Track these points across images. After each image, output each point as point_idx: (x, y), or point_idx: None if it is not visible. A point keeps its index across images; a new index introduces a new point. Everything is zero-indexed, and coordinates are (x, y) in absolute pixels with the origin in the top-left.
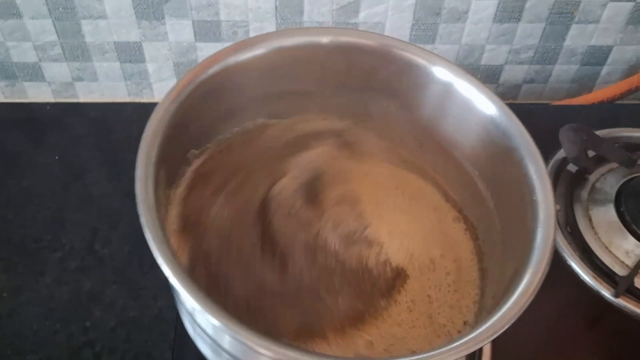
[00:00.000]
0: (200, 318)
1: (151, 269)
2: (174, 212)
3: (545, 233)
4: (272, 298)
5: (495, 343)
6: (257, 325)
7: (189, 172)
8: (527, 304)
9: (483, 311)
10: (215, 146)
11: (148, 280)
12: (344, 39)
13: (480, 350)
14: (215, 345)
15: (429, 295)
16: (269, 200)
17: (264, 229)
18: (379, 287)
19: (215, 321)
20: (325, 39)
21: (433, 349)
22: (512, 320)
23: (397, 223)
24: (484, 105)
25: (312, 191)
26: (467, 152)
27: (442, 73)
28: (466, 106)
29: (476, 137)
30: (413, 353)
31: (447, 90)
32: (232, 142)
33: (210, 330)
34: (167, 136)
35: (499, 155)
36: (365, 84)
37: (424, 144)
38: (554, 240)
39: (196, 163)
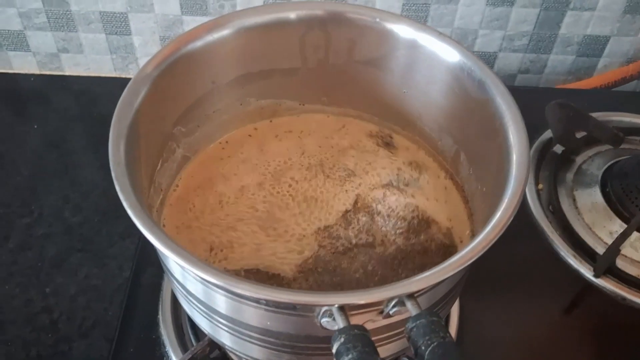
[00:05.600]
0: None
1: (120, 239)
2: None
3: (518, 173)
4: None
5: (466, 319)
6: None
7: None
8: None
9: None
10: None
11: (116, 250)
12: (304, 12)
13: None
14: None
15: None
16: None
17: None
18: None
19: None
20: (292, 15)
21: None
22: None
23: None
24: (450, 54)
25: None
26: (444, 111)
27: (404, 31)
28: (433, 61)
29: (450, 91)
30: None
31: (413, 47)
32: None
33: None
34: (145, 105)
35: (473, 111)
36: (348, 56)
37: (403, 111)
38: (526, 180)
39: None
